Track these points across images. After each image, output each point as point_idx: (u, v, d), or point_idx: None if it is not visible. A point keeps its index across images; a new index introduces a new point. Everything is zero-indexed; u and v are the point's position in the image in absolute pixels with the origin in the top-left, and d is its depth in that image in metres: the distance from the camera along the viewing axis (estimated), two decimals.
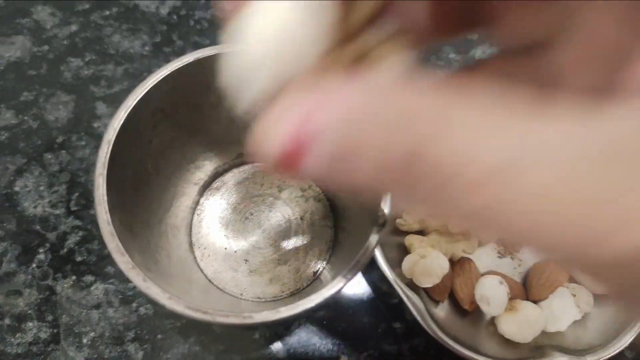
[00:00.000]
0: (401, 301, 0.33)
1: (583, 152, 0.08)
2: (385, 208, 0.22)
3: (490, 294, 0.30)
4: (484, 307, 0.30)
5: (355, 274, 0.20)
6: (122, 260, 0.20)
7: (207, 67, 0.25)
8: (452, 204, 0.09)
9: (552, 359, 0.29)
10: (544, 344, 0.31)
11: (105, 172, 0.21)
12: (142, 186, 0.25)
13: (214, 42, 0.40)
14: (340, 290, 0.20)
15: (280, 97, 0.10)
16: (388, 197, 0.22)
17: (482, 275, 0.32)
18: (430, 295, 0.32)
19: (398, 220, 0.32)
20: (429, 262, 0.30)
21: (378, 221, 0.21)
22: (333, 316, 0.32)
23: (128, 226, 0.22)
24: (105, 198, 0.21)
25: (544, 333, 0.31)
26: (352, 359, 0.31)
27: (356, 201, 0.28)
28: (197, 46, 0.39)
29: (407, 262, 0.31)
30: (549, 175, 0.08)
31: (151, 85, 0.23)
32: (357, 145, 0.09)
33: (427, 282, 0.30)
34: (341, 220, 0.30)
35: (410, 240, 0.32)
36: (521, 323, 0.30)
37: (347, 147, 0.09)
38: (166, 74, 0.24)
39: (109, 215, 0.20)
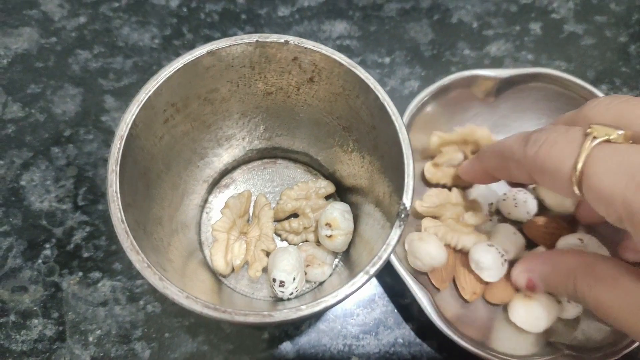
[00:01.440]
0: (413, 301, 0.32)
1: None
2: (407, 201, 0.21)
3: (483, 257, 0.29)
4: (481, 274, 0.30)
5: (377, 270, 0.20)
6: (138, 259, 0.19)
7: (219, 59, 0.24)
8: None
9: (563, 356, 0.28)
10: (555, 341, 0.30)
11: (117, 168, 0.21)
12: (153, 183, 0.25)
13: (224, 35, 0.39)
14: (362, 286, 0.20)
15: None
16: (410, 189, 0.21)
17: None
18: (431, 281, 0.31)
19: (417, 202, 0.32)
20: (422, 247, 0.29)
21: (400, 215, 0.21)
22: (344, 316, 0.32)
23: (141, 224, 0.22)
24: (119, 195, 0.20)
25: (555, 330, 0.30)
26: None
27: (371, 196, 0.27)
28: (207, 39, 0.39)
29: (407, 239, 0.31)
30: None
31: (163, 79, 0.23)
32: None
33: (417, 265, 0.30)
34: (355, 216, 0.30)
35: (426, 223, 0.32)
36: (534, 311, 0.29)
37: None
38: (178, 67, 0.23)
39: (122, 213, 0.20)
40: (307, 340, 0.31)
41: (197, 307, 0.19)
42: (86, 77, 0.37)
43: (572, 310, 0.30)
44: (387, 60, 0.39)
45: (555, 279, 0.25)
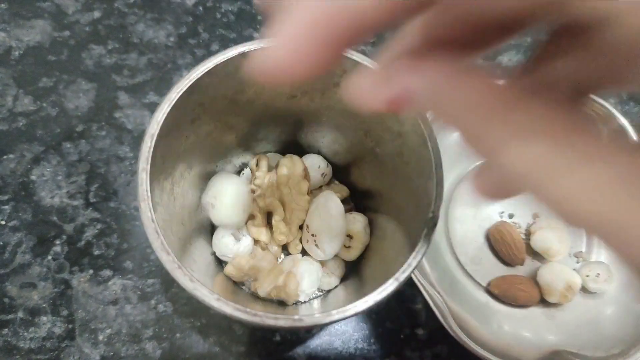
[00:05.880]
0: (424, 307, 0.33)
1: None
2: (436, 209, 0.21)
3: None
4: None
5: (407, 277, 0.20)
6: (168, 259, 0.19)
7: (250, 60, 0.24)
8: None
9: None
10: (562, 349, 0.31)
11: (148, 167, 0.20)
12: (177, 182, 0.25)
13: (240, 35, 0.39)
14: (392, 293, 0.20)
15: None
16: (440, 197, 0.21)
17: None
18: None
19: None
20: None
21: (429, 223, 0.21)
22: (356, 320, 0.32)
23: (168, 223, 0.21)
24: (149, 194, 0.20)
25: (562, 338, 0.32)
26: None
27: (391, 204, 0.28)
28: (222, 39, 0.39)
29: None
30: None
31: (195, 78, 0.22)
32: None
33: None
34: (372, 224, 0.30)
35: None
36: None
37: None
38: (210, 67, 0.23)
39: (152, 212, 0.20)
40: (318, 343, 0.31)
41: (227, 310, 0.19)
42: (100, 73, 0.37)
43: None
44: None
45: (455, 111, 0.12)
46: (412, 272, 0.21)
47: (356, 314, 0.20)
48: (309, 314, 0.19)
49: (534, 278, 0.34)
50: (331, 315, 0.19)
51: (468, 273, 0.34)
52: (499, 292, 0.33)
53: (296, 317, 0.19)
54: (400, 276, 0.20)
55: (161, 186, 0.22)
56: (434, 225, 0.21)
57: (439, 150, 0.22)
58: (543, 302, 0.33)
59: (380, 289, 0.20)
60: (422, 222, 0.22)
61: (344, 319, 0.20)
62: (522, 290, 0.33)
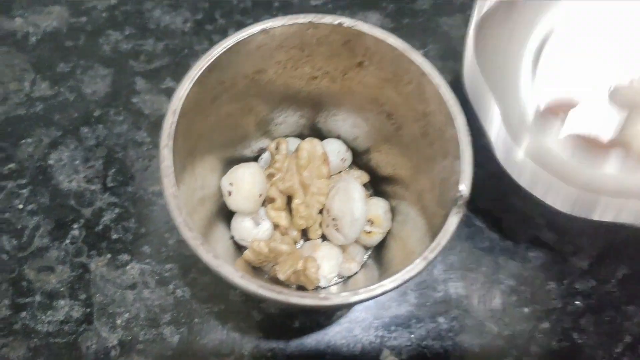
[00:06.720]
0: (446, 294, 0.32)
1: None
2: (464, 188, 0.21)
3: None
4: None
5: (436, 256, 0.20)
6: (191, 236, 0.19)
7: (272, 38, 0.24)
8: None
9: None
10: None
11: (170, 143, 0.20)
12: (197, 163, 0.24)
13: (257, 21, 0.38)
14: (420, 272, 0.19)
15: None
16: (468, 175, 0.21)
17: None
18: None
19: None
20: None
21: (457, 202, 0.20)
22: (376, 308, 0.31)
23: (190, 202, 0.21)
24: (172, 170, 0.20)
25: None
26: (395, 353, 0.30)
27: (414, 187, 0.27)
28: (239, 25, 0.38)
29: None
30: None
31: (217, 55, 0.22)
32: None
33: None
34: (393, 210, 0.29)
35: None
36: None
37: None
38: (231, 44, 0.22)
39: (176, 188, 0.19)
40: (338, 330, 0.31)
41: (252, 287, 0.19)
42: (117, 58, 0.37)
43: None
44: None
45: None
46: (441, 250, 0.20)
47: (384, 293, 0.19)
48: (334, 293, 0.19)
49: None
50: (358, 294, 0.19)
51: None
52: None
53: (322, 295, 0.19)
54: (429, 255, 0.20)
55: (183, 165, 0.22)
56: (464, 203, 0.21)
57: (466, 128, 0.22)
58: None
59: (408, 268, 0.20)
60: (449, 202, 0.21)
61: (371, 298, 0.19)
62: None
